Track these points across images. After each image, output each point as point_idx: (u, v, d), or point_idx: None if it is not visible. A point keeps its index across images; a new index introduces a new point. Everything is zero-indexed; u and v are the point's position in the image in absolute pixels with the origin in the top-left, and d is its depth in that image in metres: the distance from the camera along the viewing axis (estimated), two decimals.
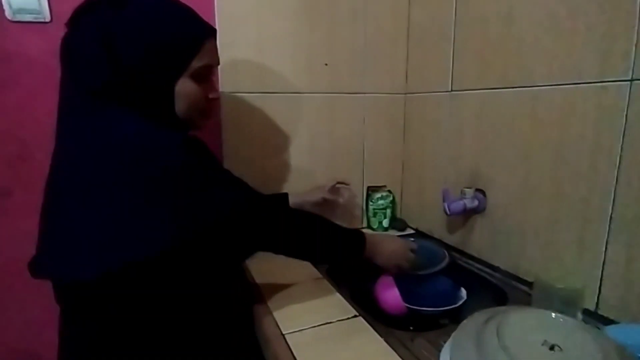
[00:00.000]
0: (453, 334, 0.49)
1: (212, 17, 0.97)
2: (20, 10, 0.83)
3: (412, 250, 0.84)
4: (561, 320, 0.46)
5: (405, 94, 1.21)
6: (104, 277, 0.52)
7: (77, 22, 0.57)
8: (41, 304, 0.94)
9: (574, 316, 0.66)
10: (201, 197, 0.56)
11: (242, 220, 0.61)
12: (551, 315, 0.46)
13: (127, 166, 0.53)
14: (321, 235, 0.72)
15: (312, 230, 0.71)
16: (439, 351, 0.55)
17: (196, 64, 0.61)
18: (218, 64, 0.68)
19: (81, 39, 0.56)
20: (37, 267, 0.57)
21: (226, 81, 1.01)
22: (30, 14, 0.84)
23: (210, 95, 0.68)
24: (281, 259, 0.77)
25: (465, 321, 0.50)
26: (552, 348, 0.41)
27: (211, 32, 0.65)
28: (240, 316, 0.78)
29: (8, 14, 0.82)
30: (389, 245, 0.80)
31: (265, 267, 0.89)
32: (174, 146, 0.56)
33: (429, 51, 1.10)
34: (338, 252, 0.74)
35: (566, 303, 0.66)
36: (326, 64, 1.10)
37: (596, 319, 0.69)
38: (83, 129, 0.56)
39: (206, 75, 0.66)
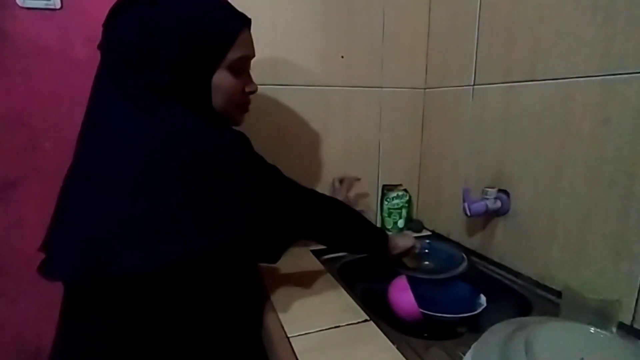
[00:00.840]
0: (474, 345, 0.44)
1: None
2: None
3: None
4: (601, 336, 0.40)
5: (425, 88, 1.16)
6: (142, 273, 0.50)
7: (114, 21, 0.57)
8: (48, 296, 0.93)
9: (608, 330, 0.60)
10: (253, 194, 0.56)
11: (292, 215, 0.63)
12: (589, 329, 0.41)
13: (178, 160, 0.51)
14: (357, 229, 0.77)
15: (351, 223, 0.75)
16: None
17: (232, 55, 0.60)
18: (254, 55, 0.67)
19: (121, 38, 0.56)
20: (54, 268, 0.53)
21: None
22: (40, 0, 0.82)
23: (247, 89, 0.66)
24: (292, 263, 0.74)
25: (488, 332, 0.45)
26: None
27: (246, 23, 0.64)
28: (249, 316, 0.74)
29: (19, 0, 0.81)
30: (400, 237, 0.89)
31: (274, 272, 0.85)
32: (227, 141, 0.55)
33: (451, 43, 1.04)
34: (364, 246, 0.81)
35: (599, 315, 0.60)
36: (342, 56, 1.06)
37: (632, 333, 0.63)
38: (129, 122, 0.53)
39: (243, 68, 0.65)
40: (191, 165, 0.51)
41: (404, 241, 0.87)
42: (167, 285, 0.53)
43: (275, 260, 0.67)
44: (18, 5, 0.82)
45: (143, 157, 0.51)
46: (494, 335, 0.43)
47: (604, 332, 0.41)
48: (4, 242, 0.90)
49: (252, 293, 0.78)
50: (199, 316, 0.58)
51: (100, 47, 0.58)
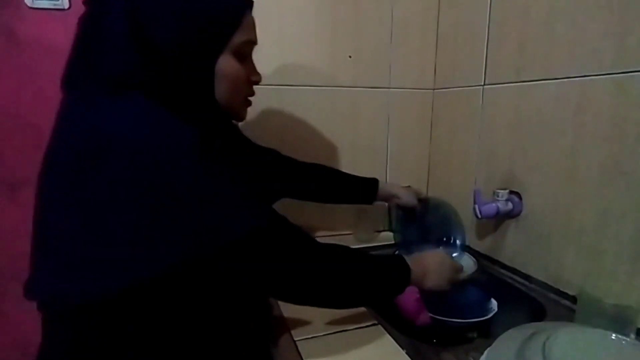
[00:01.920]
0: (488, 351, 0.43)
1: None
2: None
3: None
4: (623, 342, 0.38)
5: (434, 89, 1.14)
6: (97, 301, 0.45)
7: (98, 1, 0.49)
8: None
9: (626, 337, 0.58)
10: (212, 213, 0.46)
11: (259, 248, 0.49)
12: (610, 336, 0.39)
13: (125, 170, 0.43)
14: (358, 279, 0.57)
15: (348, 274, 0.56)
16: None
17: (238, 38, 0.54)
18: (257, 42, 0.60)
19: (103, 21, 0.48)
20: (31, 289, 0.50)
21: None
22: (48, 0, 0.83)
23: (253, 78, 0.60)
24: None
25: (502, 336, 0.43)
26: None
27: (249, 4, 0.57)
28: (256, 326, 0.69)
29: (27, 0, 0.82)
30: (435, 261, 0.69)
31: None
32: (187, 147, 0.45)
33: (461, 42, 1.02)
34: (379, 293, 0.61)
35: (617, 321, 0.58)
36: (350, 56, 1.05)
37: None
38: (82, 125, 0.46)
39: (247, 54, 0.58)
40: (128, 178, 0.43)
41: (437, 278, 0.67)
42: (149, 308, 0.48)
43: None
44: (27, 6, 0.82)
45: (77, 169, 0.45)
46: (510, 340, 0.41)
47: (625, 338, 0.39)
48: (10, 242, 0.90)
49: (257, 305, 0.72)
50: (196, 338, 0.52)
51: (78, 30, 0.50)
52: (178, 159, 0.44)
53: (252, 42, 0.58)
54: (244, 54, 0.57)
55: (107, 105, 0.46)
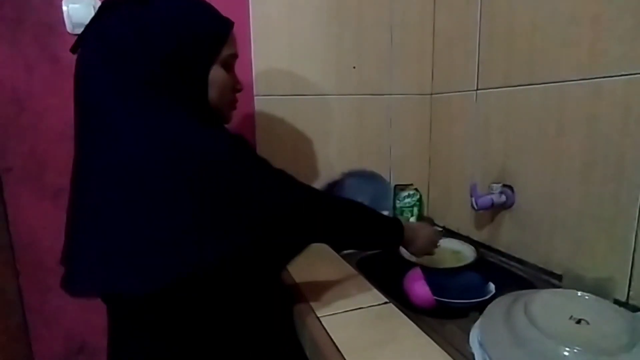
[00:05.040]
0: (482, 314, 0.52)
1: (247, 25, 1.04)
2: (79, 24, 0.92)
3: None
4: (587, 297, 0.48)
5: (432, 94, 1.24)
6: (161, 289, 0.50)
7: (103, 19, 0.56)
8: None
9: None
10: (262, 196, 0.56)
11: (305, 215, 0.63)
12: (577, 293, 0.48)
13: (180, 168, 0.51)
14: (368, 225, 0.76)
15: (361, 221, 0.74)
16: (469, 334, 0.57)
17: (226, 51, 0.63)
18: (238, 55, 0.69)
19: (113, 34, 0.55)
20: (77, 283, 0.55)
21: (260, 85, 1.07)
22: None
23: (237, 87, 0.71)
24: (315, 257, 0.80)
25: (493, 302, 0.52)
26: (578, 322, 0.43)
27: (232, 24, 0.66)
28: (281, 319, 0.79)
29: (68, 27, 0.92)
30: (423, 232, 0.85)
31: (299, 266, 0.90)
32: (226, 144, 0.56)
33: (455, 51, 1.12)
34: (380, 240, 0.80)
35: (597, 292, 0.66)
36: (354, 67, 1.15)
37: (628, 309, 0.69)
38: (129, 125, 0.53)
39: (232, 66, 0.68)
40: (193, 173, 0.51)
41: (424, 243, 0.84)
42: (181, 301, 0.54)
43: (281, 269, 0.72)
44: (68, 33, 0.92)
45: (144, 166, 0.51)
46: (499, 304, 0.51)
47: (590, 295, 0.48)
48: (57, 243, 1.00)
49: (280, 294, 0.82)
50: (235, 323, 0.61)
51: (82, 45, 0.57)
52: (226, 153, 0.55)
53: (235, 55, 0.67)
54: (230, 65, 0.67)
55: (148, 107, 0.54)
